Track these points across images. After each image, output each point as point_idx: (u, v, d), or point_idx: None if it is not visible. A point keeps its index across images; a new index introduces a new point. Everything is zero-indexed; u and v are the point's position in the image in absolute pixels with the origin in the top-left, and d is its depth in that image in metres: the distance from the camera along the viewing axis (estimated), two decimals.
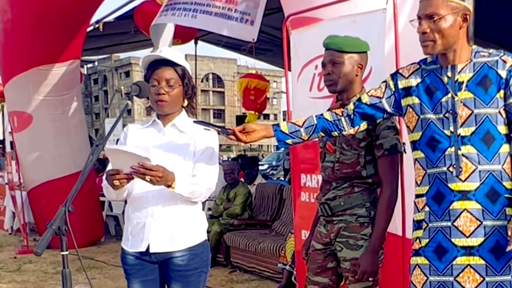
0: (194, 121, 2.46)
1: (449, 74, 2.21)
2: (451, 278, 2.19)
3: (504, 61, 2.17)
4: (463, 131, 2.17)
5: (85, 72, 59.83)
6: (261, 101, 8.28)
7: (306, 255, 2.88)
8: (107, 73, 62.45)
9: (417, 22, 2.20)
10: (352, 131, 2.43)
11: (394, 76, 2.37)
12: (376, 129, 2.58)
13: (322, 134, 2.44)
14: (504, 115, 2.17)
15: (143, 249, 2.51)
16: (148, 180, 2.29)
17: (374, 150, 2.62)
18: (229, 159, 9.60)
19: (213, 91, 65.81)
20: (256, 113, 8.39)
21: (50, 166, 7.34)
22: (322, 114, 2.44)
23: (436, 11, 2.14)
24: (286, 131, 2.41)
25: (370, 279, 2.57)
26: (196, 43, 9.18)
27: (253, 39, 4.51)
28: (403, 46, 2.97)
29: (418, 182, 2.31)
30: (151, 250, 2.50)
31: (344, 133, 2.44)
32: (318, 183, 3.57)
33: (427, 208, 2.26)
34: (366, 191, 2.66)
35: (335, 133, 2.44)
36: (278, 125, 2.43)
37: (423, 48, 2.21)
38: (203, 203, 2.67)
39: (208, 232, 2.67)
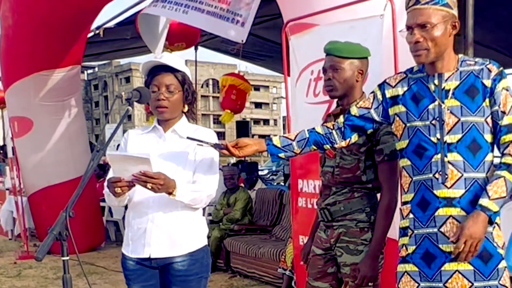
0: (187, 138, 2.46)
1: (436, 82, 2.23)
2: (440, 284, 2.20)
3: (489, 70, 2.19)
4: (449, 138, 2.18)
5: (86, 78, 59.99)
6: (241, 102, 8.22)
7: (306, 260, 2.89)
8: (107, 79, 62.46)
9: (405, 32, 2.21)
10: (343, 143, 2.45)
11: (382, 85, 2.39)
12: (376, 134, 2.59)
13: (314, 148, 2.46)
14: (490, 124, 2.20)
15: (146, 255, 2.51)
16: (150, 187, 2.30)
17: (374, 155, 2.63)
18: (229, 165, 9.61)
19: (213, 97, 65.81)
20: (232, 113, 8.35)
21: (51, 171, 7.34)
22: (314, 128, 2.46)
23: (428, 20, 2.15)
24: (279, 145, 2.43)
25: (370, 284, 2.58)
26: (196, 48, 9.19)
27: (242, 41, 4.49)
28: (402, 52, 2.99)
29: (405, 190, 2.33)
30: (152, 256, 2.50)
31: (336, 145, 2.46)
32: (315, 188, 3.58)
33: (411, 215, 2.28)
34: (366, 196, 2.67)
35: (327, 146, 2.47)
36: (270, 139, 2.45)
37: (416, 58, 2.22)
38: (203, 208, 2.68)
39: (208, 237, 2.67)
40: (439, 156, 2.20)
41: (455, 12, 2.19)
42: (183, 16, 4.85)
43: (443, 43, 2.18)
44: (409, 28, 2.19)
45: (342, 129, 2.43)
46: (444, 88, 2.21)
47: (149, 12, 5.40)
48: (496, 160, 2.22)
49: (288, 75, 3.89)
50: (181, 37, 6.79)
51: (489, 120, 2.19)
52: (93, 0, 6.26)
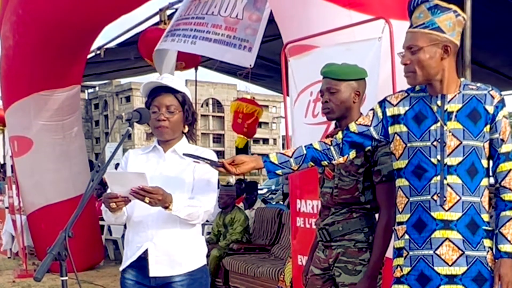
0: (183, 154, 2.47)
1: (438, 103, 2.25)
2: None
3: (492, 96, 2.22)
4: (449, 161, 2.20)
5: (86, 97, 60.15)
6: (248, 125, 8.26)
7: (306, 281, 2.88)
8: (107, 98, 62.62)
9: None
10: (341, 160, 2.45)
11: (382, 103, 2.40)
12: (374, 155, 2.60)
13: (312, 164, 2.44)
14: (486, 149, 2.22)
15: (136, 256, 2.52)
16: (147, 202, 2.32)
17: (372, 176, 2.64)
18: (228, 184, 9.59)
19: (213, 116, 65.96)
20: (245, 138, 8.37)
21: (50, 190, 7.33)
22: (311, 144, 2.44)
23: (414, 43, 2.20)
24: (276, 162, 2.40)
25: None
26: (196, 68, 9.24)
27: (250, 65, 4.59)
28: (400, 73, 3.01)
29: (400, 210, 2.34)
30: (151, 274, 2.50)
31: (333, 162, 2.45)
32: (313, 208, 3.59)
33: (406, 236, 2.29)
34: (364, 217, 2.67)
35: (325, 163, 2.45)
36: (267, 156, 2.44)
37: (407, 79, 2.27)
38: (202, 227, 2.69)
39: (207, 256, 2.68)
40: (438, 178, 2.21)
41: (449, 36, 2.19)
42: (191, 46, 5.02)
43: (431, 66, 2.20)
44: (402, 51, 2.25)
45: (340, 145, 2.42)
46: (446, 109, 2.23)
47: (161, 47, 5.53)
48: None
49: (287, 95, 3.93)
50: (182, 57, 6.86)
51: (486, 145, 2.22)
52: (93, 22, 6.30)
